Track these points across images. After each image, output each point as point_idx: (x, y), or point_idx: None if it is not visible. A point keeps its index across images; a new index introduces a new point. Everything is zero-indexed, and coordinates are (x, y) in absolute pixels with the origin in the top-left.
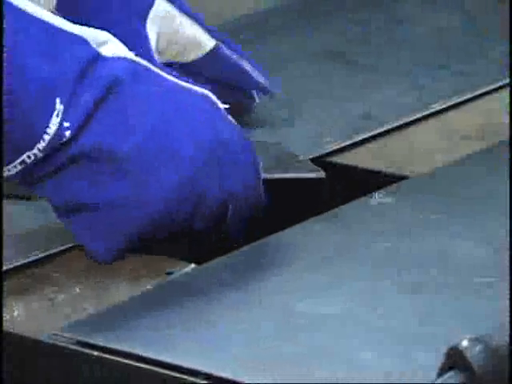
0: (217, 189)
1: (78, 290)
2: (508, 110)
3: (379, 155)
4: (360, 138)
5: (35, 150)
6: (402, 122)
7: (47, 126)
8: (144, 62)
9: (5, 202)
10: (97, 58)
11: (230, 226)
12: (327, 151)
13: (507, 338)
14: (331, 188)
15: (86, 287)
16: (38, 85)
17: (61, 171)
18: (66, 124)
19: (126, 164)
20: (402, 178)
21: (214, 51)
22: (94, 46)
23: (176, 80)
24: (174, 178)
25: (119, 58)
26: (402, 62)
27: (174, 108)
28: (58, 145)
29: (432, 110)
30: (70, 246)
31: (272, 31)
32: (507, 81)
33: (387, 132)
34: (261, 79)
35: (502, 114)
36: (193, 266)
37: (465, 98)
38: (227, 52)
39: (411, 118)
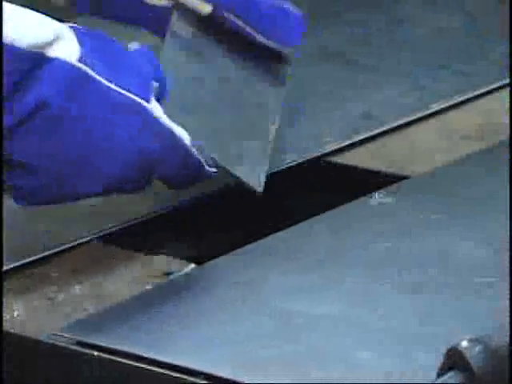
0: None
1: (77, 289)
2: (508, 109)
3: (379, 155)
4: (360, 137)
5: None
6: (401, 122)
7: None
8: (88, 69)
9: (5, 201)
10: (37, 63)
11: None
12: (327, 151)
13: (507, 339)
14: (331, 188)
15: (86, 287)
16: None
17: None
18: None
19: (43, 177)
20: (402, 178)
21: (210, 17)
22: (41, 43)
23: (117, 88)
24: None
25: (61, 63)
26: (402, 62)
27: (101, 128)
28: None
29: (432, 110)
30: (70, 245)
31: None
32: (507, 81)
33: (387, 132)
34: (268, 42)
35: (501, 114)
36: (193, 265)
37: (465, 97)
38: (226, 15)
39: (411, 118)
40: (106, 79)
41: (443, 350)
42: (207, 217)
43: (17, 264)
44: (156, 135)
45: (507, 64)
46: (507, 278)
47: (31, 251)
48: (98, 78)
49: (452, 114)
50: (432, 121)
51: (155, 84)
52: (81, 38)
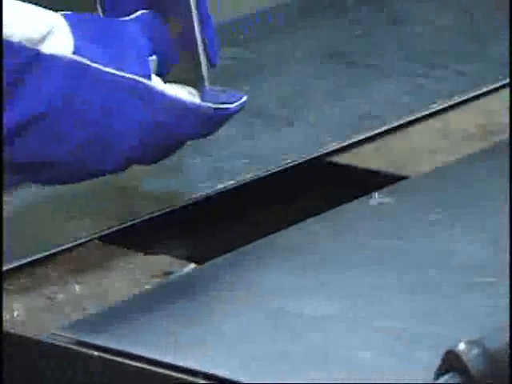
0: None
1: (77, 289)
2: (508, 109)
3: (379, 155)
4: (360, 137)
5: None
6: (402, 122)
7: None
8: (84, 60)
9: (5, 201)
10: (32, 60)
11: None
12: (327, 151)
13: (506, 340)
14: (331, 188)
15: (86, 287)
16: None
17: None
18: None
19: (62, 168)
20: (402, 178)
21: None
22: (35, 38)
23: (116, 72)
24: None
25: (57, 59)
26: (402, 61)
27: (109, 115)
28: None
29: (432, 110)
30: (70, 245)
31: (272, 31)
32: (507, 81)
33: (387, 132)
34: None
35: (502, 114)
36: (193, 265)
37: (465, 97)
38: None
39: (411, 118)
40: (104, 65)
41: (443, 350)
42: (207, 217)
43: (17, 264)
44: (166, 108)
45: (507, 64)
46: (507, 278)
47: (31, 251)
48: (95, 66)
49: (452, 113)
50: (432, 121)
51: (153, 57)
52: (73, 25)
